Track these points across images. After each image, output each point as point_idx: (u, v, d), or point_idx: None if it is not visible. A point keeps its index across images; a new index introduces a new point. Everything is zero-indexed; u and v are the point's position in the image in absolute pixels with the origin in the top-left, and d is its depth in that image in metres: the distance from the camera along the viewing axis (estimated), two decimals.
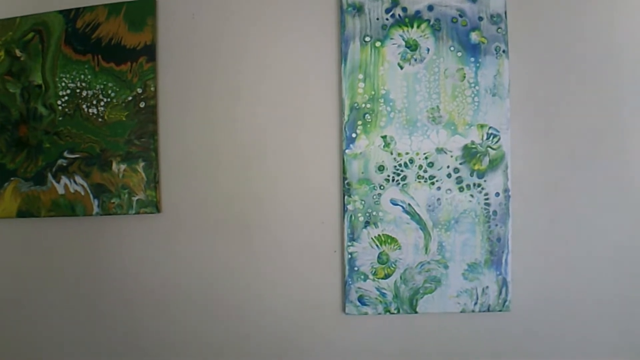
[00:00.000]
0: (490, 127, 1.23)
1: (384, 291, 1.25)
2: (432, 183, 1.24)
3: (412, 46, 1.25)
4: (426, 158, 1.24)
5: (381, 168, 1.24)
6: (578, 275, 1.25)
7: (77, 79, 1.36)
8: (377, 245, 1.25)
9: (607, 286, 1.25)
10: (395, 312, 1.25)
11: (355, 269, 1.25)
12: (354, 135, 1.25)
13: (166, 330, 1.36)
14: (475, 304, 1.24)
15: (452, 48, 1.24)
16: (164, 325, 1.36)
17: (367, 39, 1.25)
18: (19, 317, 1.43)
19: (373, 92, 1.25)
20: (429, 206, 1.24)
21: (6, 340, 1.44)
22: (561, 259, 1.25)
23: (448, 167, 1.24)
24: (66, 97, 1.37)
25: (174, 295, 1.35)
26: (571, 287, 1.26)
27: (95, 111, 1.35)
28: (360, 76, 1.25)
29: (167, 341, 1.36)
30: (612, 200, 1.24)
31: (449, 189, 1.24)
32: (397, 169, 1.24)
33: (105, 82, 1.34)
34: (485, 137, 1.23)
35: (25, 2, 1.40)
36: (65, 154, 1.37)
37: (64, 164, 1.37)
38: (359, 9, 1.25)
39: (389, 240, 1.25)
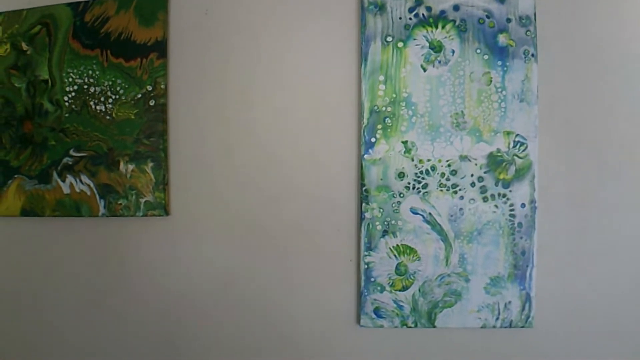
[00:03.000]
0: (517, 135, 1.17)
1: (401, 304, 1.20)
2: (455, 192, 1.18)
3: (436, 47, 1.19)
4: (449, 165, 1.18)
5: (401, 175, 1.19)
6: (605, 292, 1.20)
7: (85, 75, 1.31)
8: (395, 256, 1.19)
9: (635, 303, 1.19)
10: (413, 325, 1.20)
11: (372, 279, 1.20)
12: (373, 139, 1.19)
13: (172, 335, 1.31)
14: (497, 319, 1.19)
15: (478, 50, 1.18)
16: (170, 331, 1.31)
17: (389, 39, 1.19)
18: (21, 317, 1.39)
19: (394, 95, 1.19)
20: (451, 216, 1.18)
21: (7, 340, 1.40)
22: (588, 275, 1.20)
23: (472, 175, 1.18)
24: (73, 93, 1.31)
25: (181, 301, 1.30)
26: (597, 304, 1.20)
27: (103, 108, 1.30)
28: (381, 78, 1.19)
29: (173, 345, 1.31)
30: None
31: (473, 199, 1.18)
32: (418, 176, 1.18)
33: (113, 79, 1.29)
34: (511, 145, 1.17)
35: None
36: (71, 152, 1.32)
37: (70, 163, 1.32)
38: (380, 8, 1.19)
39: (408, 251, 1.19)
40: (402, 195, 1.19)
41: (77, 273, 1.35)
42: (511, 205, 1.17)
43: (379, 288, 1.20)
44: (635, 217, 1.19)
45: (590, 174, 1.19)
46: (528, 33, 1.18)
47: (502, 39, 1.18)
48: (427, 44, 1.19)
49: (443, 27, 1.19)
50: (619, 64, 1.19)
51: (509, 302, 1.18)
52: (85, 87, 1.30)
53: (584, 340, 1.21)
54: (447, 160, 1.18)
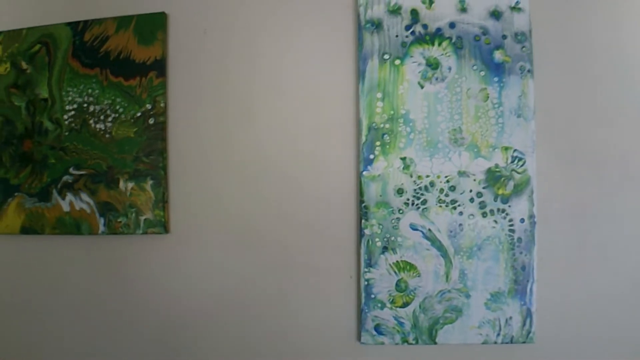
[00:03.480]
0: (515, 150, 1.18)
1: (401, 320, 1.19)
2: (454, 208, 1.18)
3: (433, 65, 1.20)
4: (448, 181, 1.18)
5: (400, 191, 1.19)
6: (606, 306, 1.19)
7: (85, 93, 1.31)
8: (395, 272, 1.19)
9: (637, 317, 1.19)
10: (414, 342, 1.19)
11: (372, 296, 1.20)
12: (371, 156, 1.19)
13: (173, 352, 1.31)
14: (498, 335, 1.18)
15: (474, 67, 1.19)
16: (171, 348, 1.31)
17: (386, 56, 1.20)
18: (21, 334, 1.38)
19: (392, 112, 1.19)
20: (451, 232, 1.18)
21: (8, 357, 1.38)
22: (588, 289, 1.19)
23: (471, 191, 1.18)
24: (73, 112, 1.32)
25: (180, 319, 1.30)
26: (599, 318, 1.19)
27: (102, 127, 1.30)
28: (379, 95, 1.20)
29: None
30: None
31: (472, 214, 1.18)
32: (417, 193, 1.19)
33: (113, 97, 1.30)
34: (509, 160, 1.18)
35: (32, 13, 1.36)
36: (71, 170, 1.32)
37: (70, 181, 1.32)
38: (377, 26, 1.21)
39: (408, 267, 1.19)
40: (401, 211, 1.19)
41: (77, 291, 1.35)
42: (510, 220, 1.18)
43: (379, 304, 1.20)
44: (634, 230, 1.19)
45: (589, 188, 1.19)
46: (524, 49, 1.19)
47: (498, 55, 1.19)
48: (424, 61, 1.20)
49: (439, 45, 1.20)
50: (615, 78, 1.20)
51: (510, 317, 1.18)
52: (85, 105, 1.31)
53: (586, 355, 1.20)
54: (446, 176, 1.19)
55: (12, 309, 1.39)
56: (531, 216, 1.17)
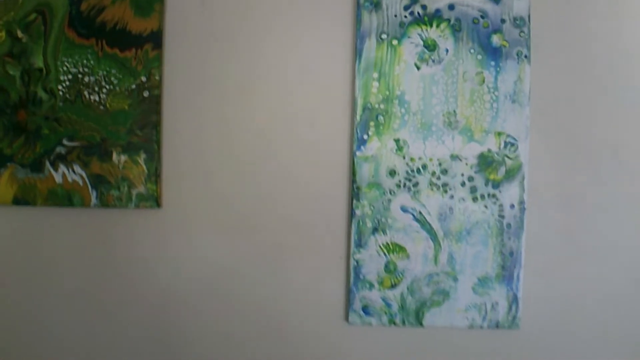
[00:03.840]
0: (508, 136, 1.18)
1: (389, 302, 1.20)
2: (445, 191, 1.18)
3: (430, 46, 1.19)
4: (440, 164, 1.18)
5: (392, 173, 1.19)
6: (592, 293, 1.20)
7: (80, 64, 1.30)
8: (384, 254, 1.20)
9: (622, 306, 1.20)
10: (401, 324, 1.20)
11: (361, 277, 1.20)
12: (365, 136, 1.19)
13: (161, 329, 1.31)
14: (484, 319, 1.19)
15: (472, 50, 1.18)
16: (160, 324, 1.31)
17: (384, 36, 1.19)
18: (8, 306, 1.38)
19: (387, 93, 1.19)
20: (441, 215, 1.19)
21: None
22: (575, 277, 1.20)
23: (462, 175, 1.18)
24: (67, 82, 1.31)
25: (170, 294, 1.30)
26: (584, 306, 1.21)
27: (97, 98, 1.29)
28: (375, 75, 1.19)
29: (161, 340, 1.31)
30: (632, 216, 1.19)
31: (462, 198, 1.18)
32: (409, 175, 1.19)
33: (108, 69, 1.29)
34: (502, 146, 1.18)
35: None
36: (65, 142, 1.31)
37: (63, 152, 1.31)
38: (376, 5, 1.20)
39: (397, 249, 1.19)
40: (392, 193, 1.19)
41: (67, 263, 1.35)
42: (500, 205, 1.18)
43: (367, 285, 1.20)
44: (623, 219, 1.20)
45: (580, 176, 1.19)
46: (522, 34, 1.18)
47: (495, 39, 1.19)
48: (422, 43, 1.19)
49: (438, 26, 1.19)
50: (612, 68, 1.20)
51: (496, 302, 1.19)
52: (80, 76, 1.30)
53: (570, 342, 1.22)
54: (438, 159, 1.19)
55: (3, 280, 1.39)
56: (521, 202, 1.17)
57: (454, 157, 1.18)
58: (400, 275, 1.20)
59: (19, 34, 1.34)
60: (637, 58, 1.20)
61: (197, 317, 1.30)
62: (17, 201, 1.35)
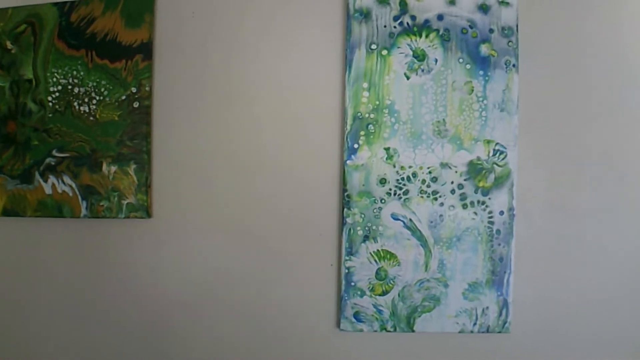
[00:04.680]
0: (497, 144, 1.19)
1: (380, 308, 1.21)
2: (435, 199, 1.20)
3: (419, 56, 1.20)
4: (430, 172, 1.20)
5: (383, 181, 1.20)
6: (581, 298, 1.22)
7: (69, 75, 1.30)
8: (375, 261, 1.21)
9: (610, 311, 1.22)
10: (392, 330, 1.21)
11: (352, 284, 1.21)
12: (356, 145, 1.20)
13: (153, 338, 1.31)
14: (475, 324, 1.20)
15: (460, 60, 1.20)
16: (151, 333, 1.31)
17: (374, 46, 1.21)
18: (1, 317, 1.38)
19: (377, 102, 1.20)
20: (431, 222, 1.20)
21: None
22: (564, 281, 1.22)
23: (452, 182, 1.20)
24: (57, 94, 1.31)
25: (162, 304, 1.30)
26: (573, 310, 1.22)
27: (86, 109, 1.29)
28: (365, 85, 1.20)
29: (154, 349, 1.31)
30: (620, 222, 1.21)
31: (452, 206, 1.20)
32: (400, 183, 1.20)
33: (98, 80, 1.29)
34: (491, 154, 1.19)
35: None
36: (54, 153, 1.31)
37: (53, 163, 1.31)
38: (366, 15, 1.21)
39: (388, 256, 1.20)
40: (383, 201, 1.20)
41: (58, 274, 1.34)
42: (490, 212, 1.19)
43: (359, 292, 1.21)
44: (612, 224, 1.21)
45: (568, 183, 1.21)
46: (510, 44, 1.20)
47: (484, 49, 1.20)
48: (411, 53, 1.21)
49: (427, 36, 1.21)
50: (599, 75, 1.22)
51: (487, 307, 1.20)
52: (70, 87, 1.30)
53: (560, 346, 1.23)
54: (428, 167, 1.20)
55: None
56: (510, 209, 1.19)
57: (444, 165, 1.20)
58: (392, 281, 1.21)
59: (8, 45, 1.34)
60: (624, 65, 1.22)
61: (189, 325, 1.30)
62: (7, 212, 1.34)
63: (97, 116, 1.28)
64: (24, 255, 1.37)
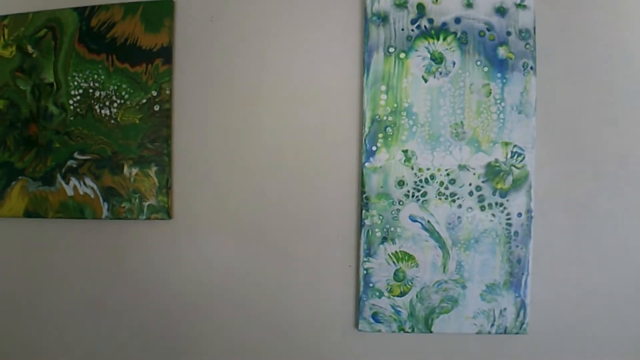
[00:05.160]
0: (515, 146, 1.20)
1: (399, 309, 1.22)
2: (453, 201, 1.20)
3: (437, 59, 1.21)
4: (448, 174, 1.21)
5: (401, 183, 1.21)
6: (598, 300, 1.22)
7: (90, 79, 1.32)
8: (393, 262, 1.22)
9: (628, 312, 1.22)
10: (410, 330, 1.22)
11: (371, 285, 1.22)
12: (374, 148, 1.21)
13: (174, 337, 1.33)
14: (492, 325, 1.21)
15: (478, 63, 1.21)
16: (172, 333, 1.33)
17: (391, 49, 1.21)
18: (23, 318, 1.40)
19: (395, 105, 1.21)
20: (449, 224, 1.21)
21: (9, 340, 1.41)
22: (582, 283, 1.22)
23: (470, 184, 1.20)
24: (78, 97, 1.33)
25: (182, 304, 1.32)
26: (591, 312, 1.23)
27: (108, 112, 1.31)
28: (383, 88, 1.21)
29: (174, 347, 1.33)
30: (638, 224, 1.21)
31: (470, 208, 1.20)
32: (418, 185, 1.21)
33: (119, 83, 1.30)
34: (509, 156, 1.20)
35: None
36: (76, 155, 1.33)
37: (74, 165, 1.33)
38: (383, 19, 1.22)
39: (407, 258, 1.21)
40: (401, 203, 1.21)
41: (79, 275, 1.36)
42: (508, 214, 1.20)
43: (377, 293, 1.22)
44: (629, 226, 1.21)
45: (585, 184, 1.22)
46: (527, 46, 1.20)
47: (502, 51, 1.21)
48: (429, 55, 1.21)
49: (444, 39, 1.21)
50: (616, 77, 1.22)
51: (504, 308, 1.21)
52: (91, 91, 1.32)
53: (577, 347, 1.24)
54: (446, 170, 1.21)
55: (16, 290, 1.41)
56: (528, 211, 1.20)
57: (462, 167, 1.21)
58: (410, 283, 1.22)
59: (30, 49, 1.36)
60: None
61: (207, 325, 1.31)
62: (29, 214, 1.37)
63: (118, 119, 1.30)
64: (45, 257, 1.39)
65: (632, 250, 1.21)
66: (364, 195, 1.21)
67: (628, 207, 1.21)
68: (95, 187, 1.32)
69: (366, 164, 1.21)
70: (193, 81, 1.29)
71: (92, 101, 1.32)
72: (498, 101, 1.20)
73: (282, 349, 1.29)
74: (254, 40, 1.28)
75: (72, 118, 1.33)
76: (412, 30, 1.21)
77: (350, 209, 1.24)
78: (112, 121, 1.31)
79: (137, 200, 1.30)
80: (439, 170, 1.21)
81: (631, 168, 1.21)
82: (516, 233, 1.20)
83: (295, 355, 1.29)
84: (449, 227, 1.21)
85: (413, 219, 1.21)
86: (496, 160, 1.20)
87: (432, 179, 1.21)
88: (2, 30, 1.37)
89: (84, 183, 1.33)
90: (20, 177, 1.37)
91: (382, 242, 1.22)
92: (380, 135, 1.21)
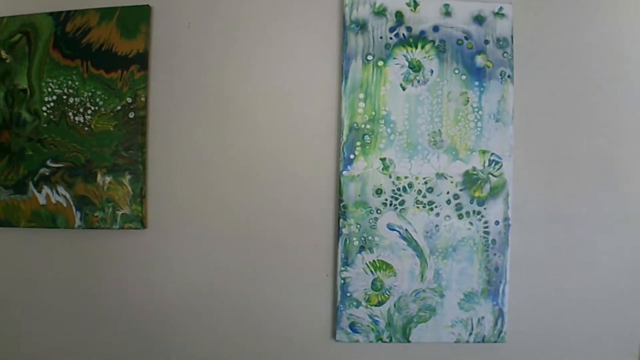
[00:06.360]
0: (492, 154, 1.20)
1: (376, 318, 1.21)
2: (431, 209, 1.20)
3: (415, 67, 1.21)
4: (426, 183, 1.20)
5: (379, 191, 1.20)
6: (576, 307, 1.23)
7: (65, 85, 1.29)
8: (371, 271, 1.21)
9: (605, 319, 1.23)
10: (388, 340, 1.21)
11: (348, 294, 1.21)
12: (352, 156, 1.20)
13: (146, 348, 1.30)
14: (470, 334, 1.21)
15: (456, 71, 1.21)
16: (144, 345, 1.30)
17: (370, 57, 1.21)
18: None
19: (373, 113, 1.21)
20: (427, 232, 1.20)
21: None
22: (559, 291, 1.23)
23: (448, 193, 1.20)
24: (52, 104, 1.30)
25: (157, 314, 1.29)
26: (568, 319, 1.23)
27: (81, 119, 1.29)
28: (361, 96, 1.21)
29: (146, 358, 1.30)
30: (614, 231, 1.22)
31: (448, 216, 1.20)
32: (396, 193, 1.20)
33: (93, 90, 1.28)
34: (487, 164, 1.20)
35: (13, 2, 1.33)
36: (49, 163, 1.30)
37: (47, 173, 1.30)
38: (362, 27, 1.21)
39: (384, 267, 1.20)
40: (379, 211, 1.20)
41: (51, 285, 1.33)
42: (485, 222, 1.20)
43: (354, 303, 1.21)
44: (606, 234, 1.22)
45: (563, 193, 1.22)
46: (505, 55, 1.21)
47: (479, 60, 1.21)
48: (407, 64, 1.21)
49: (422, 47, 1.21)
50: (592, 85, 1.24)
51: (482, 317, 1.20)
52: (65, 97, 1.29)
53: (556, 355, 1.24)
54: (424, 178, 1.20)
55: None
56: (506, 219, 1.20)
57: (440, 176, 1.20)
58: (387, 292, 1.21)
59: (3, 54, 1.33)
60: (619, 75, 1.24)
61: (182, 337, 1.29)
62: (0, 222, 1.33)
63: (92, 126, 1.28)
64: (17, 266, 1.35)
65: (609, 257, 1.22)
66: (342, 204, 1.20)
67: (605, 214, 1.22)
68: (68, 195, 1.29)
69: (344, 172, 1.20)
70: (169, 88, 1.27)
71: (66, 108, 1.29)
72: (476, 109, 1.20)
73: (259, 359, 1.27)
74: (231, 47, 1.26)
75: (45, 125, 1.30)
76: (391, 38, 1.21)
77: (327, 218, 1.23)
78: (86, 128, 1.28)
79: (110, 209, 1.27)
80: (416, 178, 1.20)
81: (608, 175, 1.22)
82: (494, 241, 1.20)
83: None
84: (426, 235, 1.20)
85: (391, 227, 1.20)
86: (474, 169, 1.20)
87: (410, 187, 1.20)
88: None
89: (57, 191, 1.30)
90: None
91: (360, 251, 1.21)
92: (358, 143, 1.20)
